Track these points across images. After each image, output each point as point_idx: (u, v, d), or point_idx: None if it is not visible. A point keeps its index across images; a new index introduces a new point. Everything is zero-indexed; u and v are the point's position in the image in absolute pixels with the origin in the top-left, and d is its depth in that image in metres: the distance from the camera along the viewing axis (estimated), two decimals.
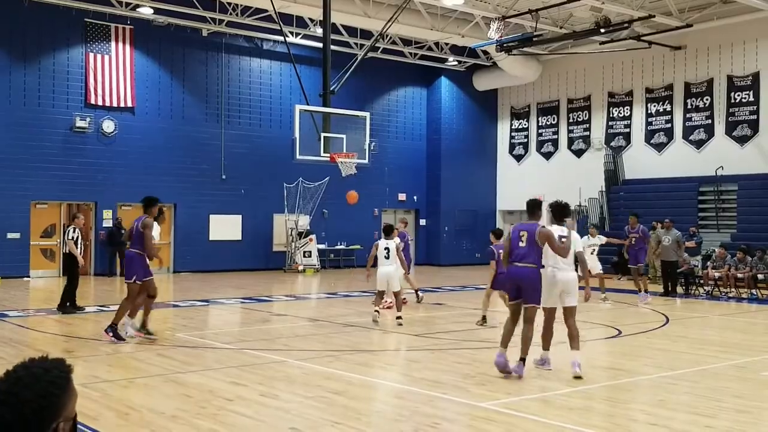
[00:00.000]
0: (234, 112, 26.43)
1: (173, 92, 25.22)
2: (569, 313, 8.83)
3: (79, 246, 14.38)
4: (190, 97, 25.57)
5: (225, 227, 25.65)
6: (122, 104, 23.94)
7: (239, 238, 26.04)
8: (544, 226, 8.75)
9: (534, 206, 9.21)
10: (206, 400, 7.42)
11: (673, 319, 14.22)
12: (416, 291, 16.54)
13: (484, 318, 13.08)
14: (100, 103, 23.55)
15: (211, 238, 25.49)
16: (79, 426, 2.26)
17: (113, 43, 23.79)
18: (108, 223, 23.75)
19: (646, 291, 17.37)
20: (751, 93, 24.77)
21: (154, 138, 24.47)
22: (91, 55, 23.40)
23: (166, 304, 16.61)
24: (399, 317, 12.88)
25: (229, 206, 25.97)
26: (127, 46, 24.06)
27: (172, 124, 25.01)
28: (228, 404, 7.26)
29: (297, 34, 25.91)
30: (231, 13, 24.25)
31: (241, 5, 23.73)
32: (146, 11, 23.36)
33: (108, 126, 23.66)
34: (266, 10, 22.85)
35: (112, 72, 23.77)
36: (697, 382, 8.57)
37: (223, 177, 25.88)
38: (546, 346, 9.10)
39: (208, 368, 9.18)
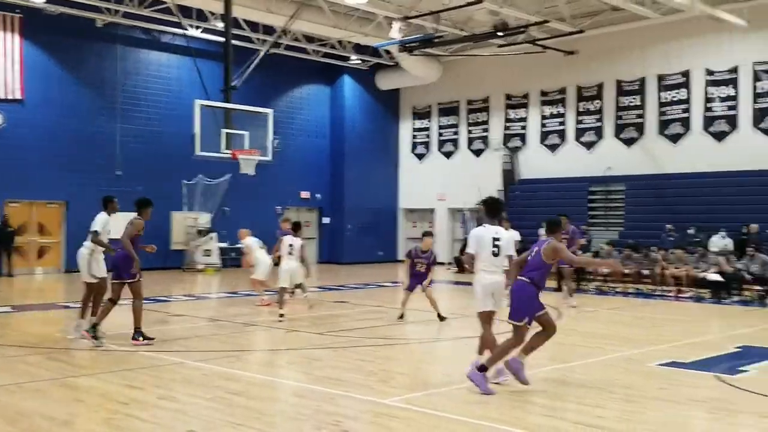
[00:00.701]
0: (130, 106, 25.64)
1: (65, 85, 24.25)
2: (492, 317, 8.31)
3: None
4: (83, 90, 24.65)
5: (120, 225, 24.76)
6: (10, 96, 22.86)
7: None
8: (551, 241, 8.05)
9: (553, 224, 8.39)
10: (99, 405, 7.15)
11: (566, 314, 14.64)
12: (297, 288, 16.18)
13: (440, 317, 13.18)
14: None
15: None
16: None
17: (0, 32, 22.69)
18: None
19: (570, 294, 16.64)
20: (638, 97, 25.82)
21: (44, 132, 23.47)
22: None
23: (56, 305, 16.01)
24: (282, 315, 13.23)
25: (125, 204, 24.90)
26: (16, 36, 22.97)
27: (65, 117, 24.04)
28: (123, 408, 7.02)
29: (197, 28, 25.37)
30: (127, 4, 23.52)
31: None
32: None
33: None
34: (165, 2, 22.28)
35: (0, 62, 22.69)
36: (588, 374, 8.84)
37: (119, 173, 25.06)
38: (482, 351, 8.28)
39: (102, 371, 8.85)
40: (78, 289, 18.98)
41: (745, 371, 9.02)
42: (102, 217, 11.34)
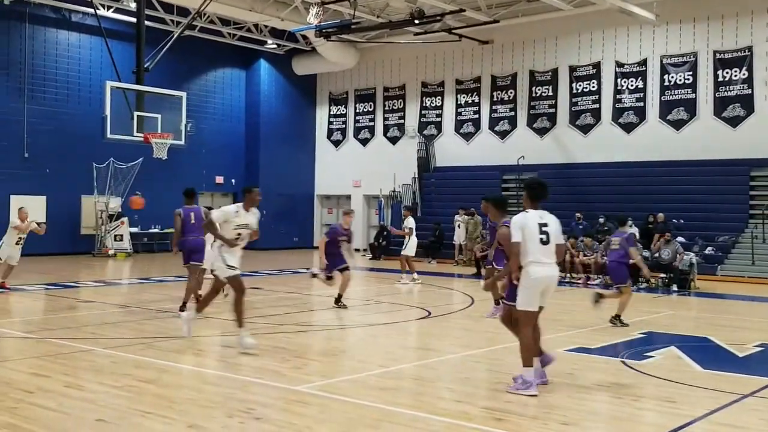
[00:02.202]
0: (39, 86, 24.76)
1: None
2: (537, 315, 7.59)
3: None
4: None
5: (28, 209, 23.93)
6: None
7: (43, 220, 24.37)
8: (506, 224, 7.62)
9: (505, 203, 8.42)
10: (4, 393, 6.91)
11: (478, 300, 14.89)
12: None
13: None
14: None
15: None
16: None
17: None
18: None
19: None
20: (551, 88, 26.43)
21: None
22: None
23: None
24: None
25: (33, 187, 24.31)
26: None
27: None
28: (28, 397, 6.81)
29: (109, 7, 24.66)
30: None
31: None
32: None
33: None
34: None
35: None
36: (498, 360, 9.02)
37: (26, 155, 24.20)
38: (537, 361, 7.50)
39: (7, 359, 8.55)
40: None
41: (651, 357, 9.35)
42: (226, 208, 9.62)
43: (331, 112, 32.39)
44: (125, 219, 25.63)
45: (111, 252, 24.87)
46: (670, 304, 15.63)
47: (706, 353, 9.79)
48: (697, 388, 7.69)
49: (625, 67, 24.98)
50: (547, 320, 12.61)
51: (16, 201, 23.86)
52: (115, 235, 25.37)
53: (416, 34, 26.42)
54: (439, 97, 29.22)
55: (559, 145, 26.18)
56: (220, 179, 30.03)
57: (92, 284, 17.46)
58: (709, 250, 21.05)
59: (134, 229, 26.38)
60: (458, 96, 28.67)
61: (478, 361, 8.92)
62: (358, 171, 31.03)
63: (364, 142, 31.32)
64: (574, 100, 25.96)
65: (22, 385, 7.23)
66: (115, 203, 25.39)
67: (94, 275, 19.43)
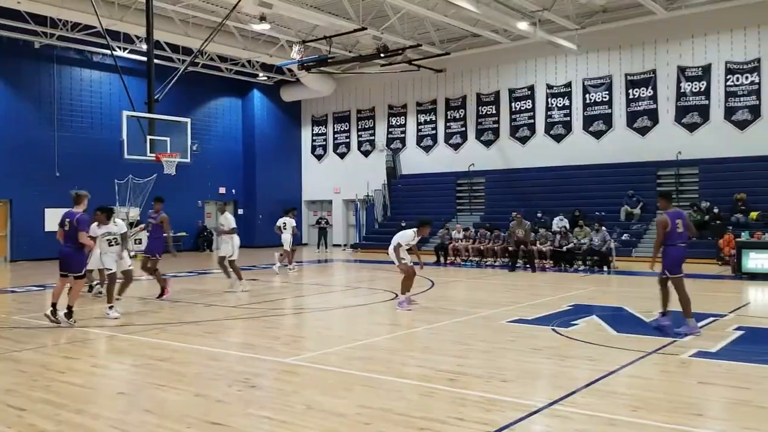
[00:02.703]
0: (66, 116, 24.46)
1: (7, 99, 22.91)
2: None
3: None
4: (23, 104, 23.35)
5: (59, 219, 23.63)
6: None
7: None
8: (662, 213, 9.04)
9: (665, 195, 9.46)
10: (39, 374, 6.84)
11: (438, 284, 14.97)
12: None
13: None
14: None
15: (46, 229, 23.46)
16: None
17: None
18: None
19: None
20: (494, 107, 26.59)
21: None
22: None
23: (2, 290, 15.15)
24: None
25: (64, 200, 23.87)
26: None
27: (8, 128, 22.75)
28: (60, 376, 6.75)
29: (124, 49, 24.41)
30: (62, 29, 22.35)
31: (72, 21, 21.95)
32: None
33: None
34: (95, 27, 21.30)
35: None
36: (453, 331, 9.09)
37: (57, 174, 23.90)
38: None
39: (42, 346, 8.46)
40: (22, 275, 18.00)
41: (576, 324, 9.48)
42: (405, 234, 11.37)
43: (314, 132, 32.33)
44: (143, 225, 25.35)
45: (132, 253, 24.59)
46: (594, 281, 15.82)
47: (621, 320, 9.94)
48: (612, 348, 7.83)
49: (554, 88, 25.20)
50: (493, 298, 12.75)
51: (50, 213, 23.61)
52: (135, 239, 25.11)
53: (382, 65, 26.46)
54: (403, 117, 29.28)
55: (502, 154, 26.36)
56: (222, 189, 29.87)
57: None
58: (625, 237, 21.30)
59: None
60: (418, 115, 28.75)
61: (436, 333, 8.98)
62: (337, 180, 31.01)
63: (342, 155, 31.29)
64: (513, 116, 26.14)
65: (55, 367, 7.17)
66: (134, 212, 25.14)
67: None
